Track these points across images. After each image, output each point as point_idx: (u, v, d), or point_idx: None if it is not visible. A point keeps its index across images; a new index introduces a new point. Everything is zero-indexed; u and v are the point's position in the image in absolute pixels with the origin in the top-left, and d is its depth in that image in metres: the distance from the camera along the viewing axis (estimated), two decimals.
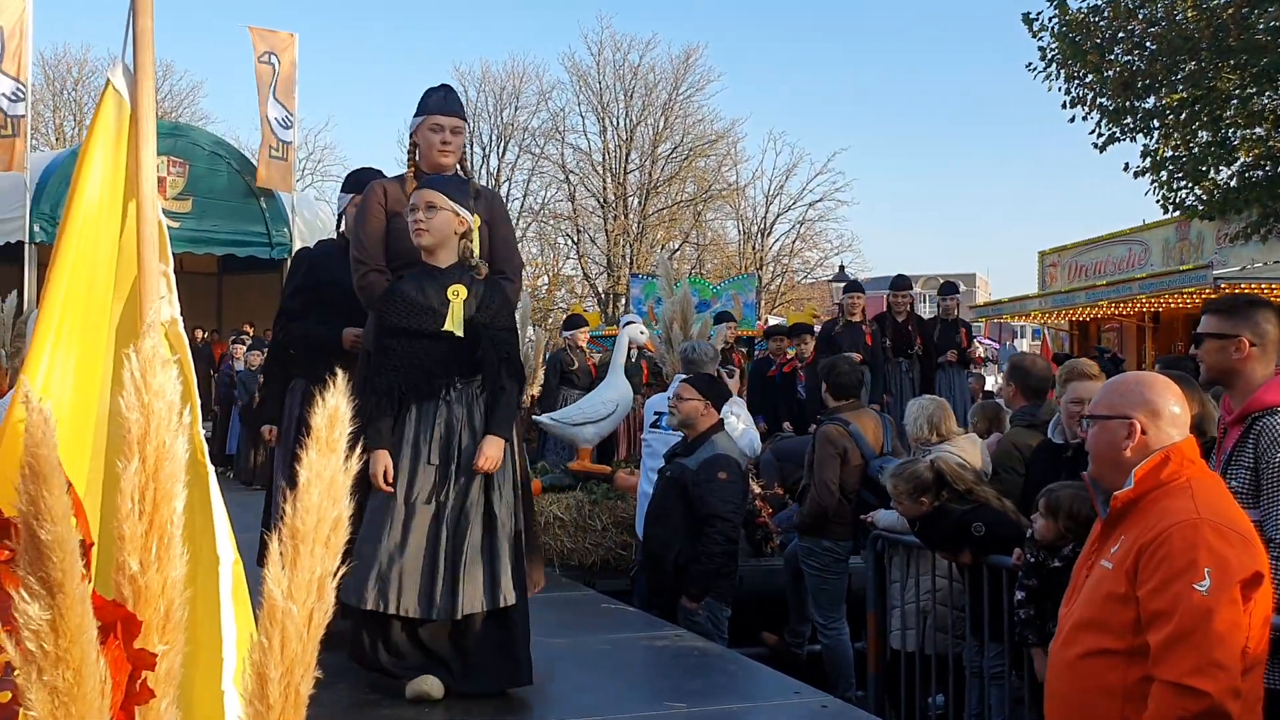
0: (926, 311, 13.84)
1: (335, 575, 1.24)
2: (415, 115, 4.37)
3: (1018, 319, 23.71)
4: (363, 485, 3.82)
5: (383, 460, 3.82)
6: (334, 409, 1.31)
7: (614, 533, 6.96)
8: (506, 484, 4.00)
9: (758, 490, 6.67)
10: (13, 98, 12.69)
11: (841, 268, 23.52)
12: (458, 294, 3.91)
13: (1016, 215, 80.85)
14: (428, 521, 3.84)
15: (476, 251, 4.04)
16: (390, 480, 3.83)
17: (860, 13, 65.02)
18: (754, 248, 37.17)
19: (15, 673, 1.06)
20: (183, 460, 1.22)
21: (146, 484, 1.21)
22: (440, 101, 4.32)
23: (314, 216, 16.22)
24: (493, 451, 3.88)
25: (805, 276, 38.00)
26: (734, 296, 16.69)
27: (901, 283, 10.48)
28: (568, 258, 37.30)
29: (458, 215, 3.95)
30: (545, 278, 36.74)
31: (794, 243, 37.81)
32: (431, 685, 3.79)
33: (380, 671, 3.89)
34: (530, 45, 71.68)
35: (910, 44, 69.51)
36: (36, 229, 13.41)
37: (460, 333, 3.89)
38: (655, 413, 6.43)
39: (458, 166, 4.37)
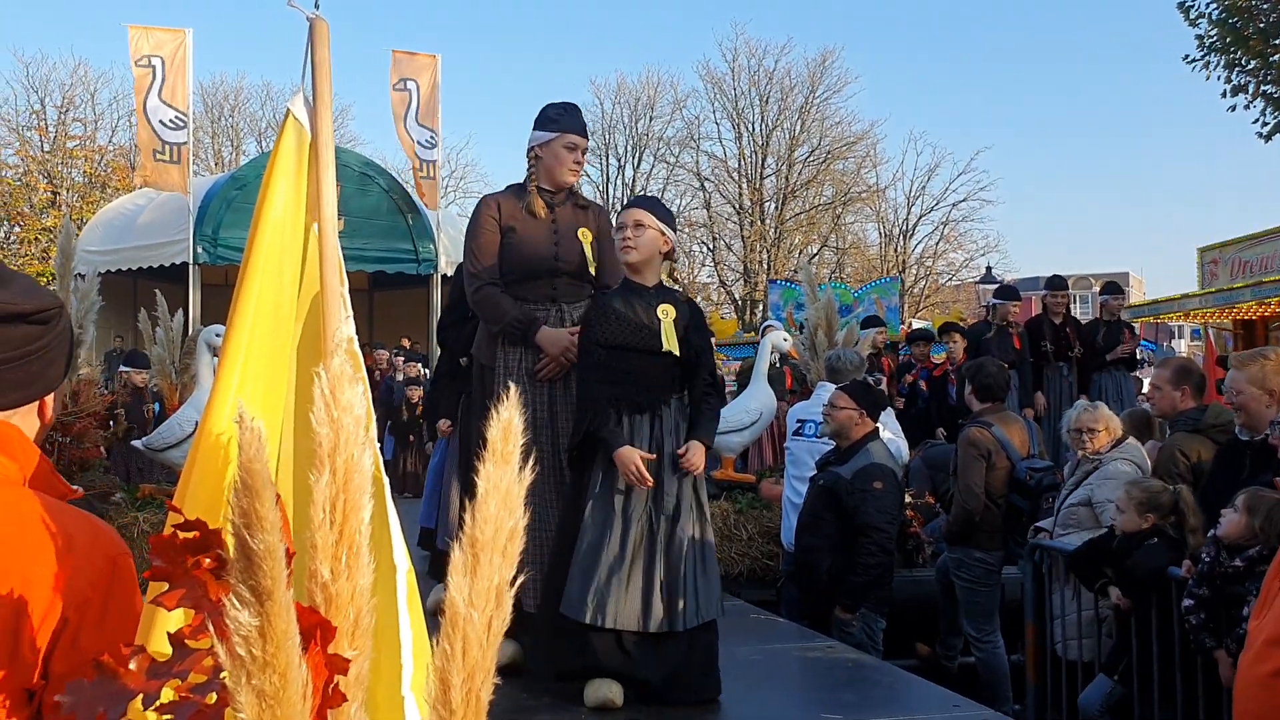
0: (1078, 312, 13.35)
1: (513, 584, 1.27)
2: (541, 129, 4.38)
3: (1176, 319, 22.66)
4: (573, 497, 3.95)
5: (634, 454, 3.83)
6: (508, 421, 1.35)
7: (760, 542, 6.93)
8: (704, 498, 4.05)
9: (908, 499, 6.55)
10: (173, 125, 13.34)
11: (989, 269, 22.87)
12: (667, 313, 4.00)
13: (1170, 212, 77.29)
14: (643, 535, 3.88)
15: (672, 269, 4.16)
16: (599, 489, 3.89)
17: (1000, 7, 63.29)
18: (896, 250, 36.55)
19: (223, 675, 1.11)
20: (369, 473, 1.26)
21: (336, 495, 1.25)
22: (576, 122, 4.40)
23: (458, 233, 16.61)
24: (698, 456, 3.94)
25: (950, 279, 37.18)
26: (876, 300, 16.43)
27: (1058, 283, 10.10)
28: (703, 265, 37.36)
29: (663, 234, 4.05)
30: (681, 286, 36.85)
31: (937, 244, 37.07)
32: (615, 692, 3.81)
33: (569, 676, 3.91)
34: (664, 56, 72.06)
35: (1054, 37, 67.31)
36: (199, 250, 14.12)
37: (678, 352, 3.97)
38: (798, 420, 6.37)
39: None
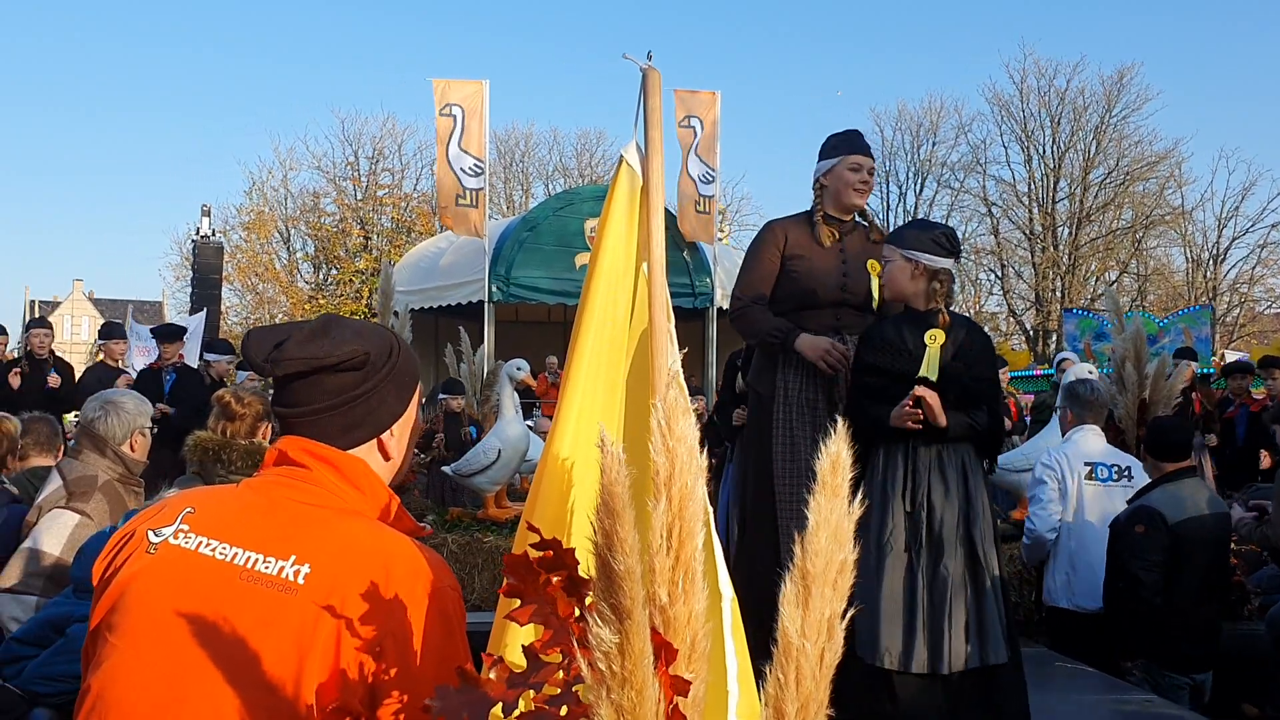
0: None
1: (844, 617, 1.28)
2: (825, 158, 4.36)
3: None
4: None
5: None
6: (836, 454, 1.35)
7: None
8: (988, 536, 3.82)
9: (1232, 546, 6.01)
10: (472, 172, 14.15)
11: None
12: (935, 338, 3.81)
13: None
14: (903, 569, 3.75)
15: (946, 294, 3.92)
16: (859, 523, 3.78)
17: None
18: (1205, 276, 33.93)
19: (575, 688, 1.18)
20: (702, 501, 1.30)
21: (673, 522, 1.30)
22: (858, 141, 4.35)
23: (734, 266, 16.79)
24: (930, 400, 3.71)
25: (1269, 306, 34.09)
26: (1184, 330, 15.26)
27: None
28: (991, 294, 36.01)
29: (908, 262, 3.88)
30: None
31: (1253, 269, 34.09)
32: None
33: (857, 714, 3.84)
34: (947, 80, 70.21)
35: None
36: (494, 289, 14.96)
37: (934, 378, 3.76)
38: (1086, 464, 5.97)
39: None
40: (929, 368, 3.77)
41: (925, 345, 3.81)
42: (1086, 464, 5.79)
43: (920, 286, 3.88)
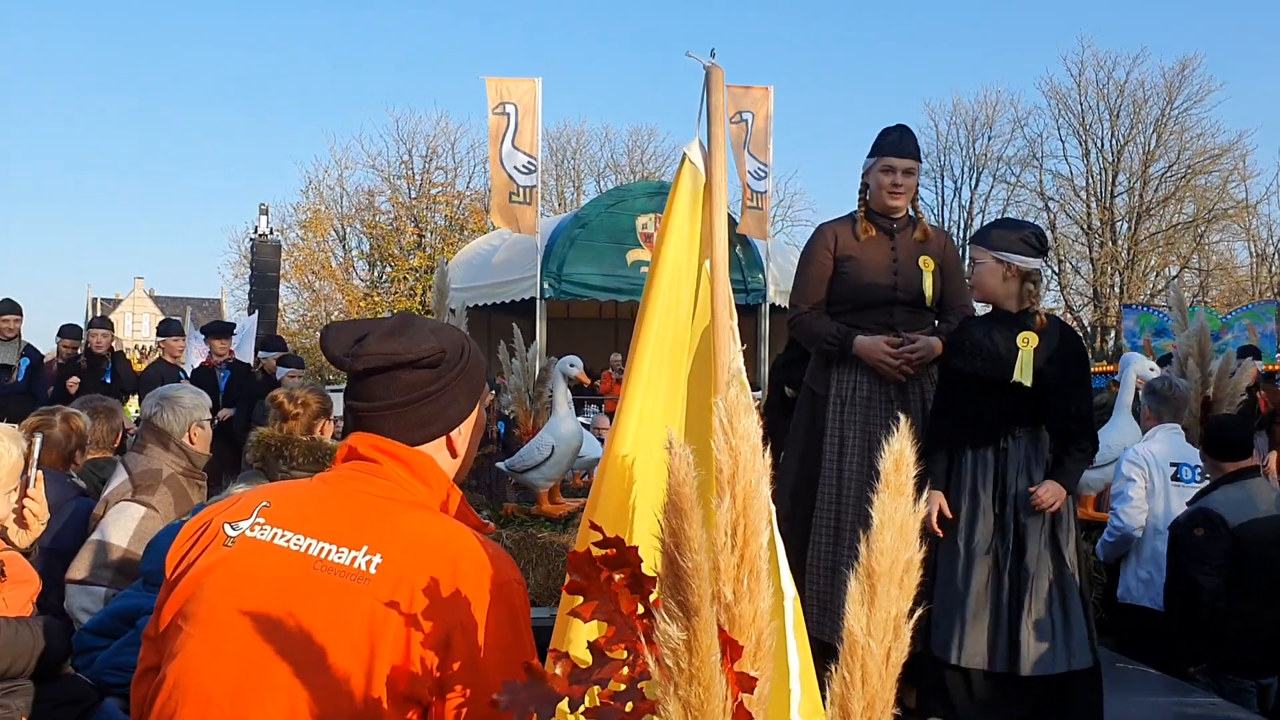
0: None
1: (910, 617, 1.27)
2: (869, 156, 4.37)
3: None
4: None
5: (935, 500, 3.77)
6: (899, 453, 1.34)
7: None
8: (1071, 541, 3.81)
9: None
10: (525, 170, 14.20)
11: None
12: (1028, 341, 3.79)
13: None
14: (988, 570, 3.73)
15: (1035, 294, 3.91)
16: (943, 522, 3.77)
17: None
18: (1270, 271, 33.18)
19: (640, 684, 1.18)
20: (767, 499, 1.30)
21: (737, 520, 1.30)
22: (894, 143, 4.30)
23: (786, 261, 16.74)
24: (1048, 494, 3.71)
25: None
26: (1248, 326, 14.95)
27: None
28: (1047, 289, 35.50)
29: (999, 263, 3.86)
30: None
31: None
32: None
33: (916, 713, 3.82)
34: (1003, 73, 69.24)
35: None
36: (546, 286, 15.01)
37: (1029, 383, 3.75)
38: (1172, 464, 5.85)
39: (909, 207, 4.37)
40: (1022, 372, 3.75)
41: (1018, 348, 3.78)
42: (1172, 464, 5.69)
43: (1013, 288, 3.86)
